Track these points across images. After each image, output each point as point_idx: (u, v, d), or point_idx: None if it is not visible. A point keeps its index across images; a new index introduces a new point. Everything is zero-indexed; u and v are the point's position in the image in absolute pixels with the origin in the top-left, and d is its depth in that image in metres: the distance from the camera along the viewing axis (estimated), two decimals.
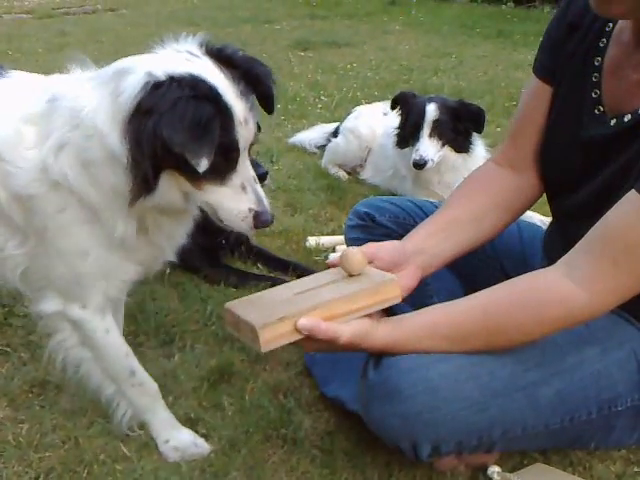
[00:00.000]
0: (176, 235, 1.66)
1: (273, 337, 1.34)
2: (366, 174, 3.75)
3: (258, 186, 1.50)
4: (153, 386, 1.73)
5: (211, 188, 1.45)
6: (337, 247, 2.81)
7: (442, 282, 1.87)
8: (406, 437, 1.45)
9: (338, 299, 1.40)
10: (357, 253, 1.47)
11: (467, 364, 1.45)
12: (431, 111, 3.19)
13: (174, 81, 1.35)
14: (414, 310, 1.54)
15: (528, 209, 1.84)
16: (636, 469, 1.64)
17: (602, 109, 1.55)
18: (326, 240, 2.90)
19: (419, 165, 3.18)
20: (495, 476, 1.58)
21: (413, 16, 9.53)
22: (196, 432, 1.77)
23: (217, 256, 2.75)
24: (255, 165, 2.53)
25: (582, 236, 1.43)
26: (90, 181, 1.47)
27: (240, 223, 1.48)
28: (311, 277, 1.56)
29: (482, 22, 8.71)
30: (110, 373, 1.68)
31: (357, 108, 4.04)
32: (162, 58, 1.44)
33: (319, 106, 5.15)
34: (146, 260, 1.63)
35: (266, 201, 1.50)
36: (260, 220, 1.48)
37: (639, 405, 1.55)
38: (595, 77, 1.57)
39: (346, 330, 1.38)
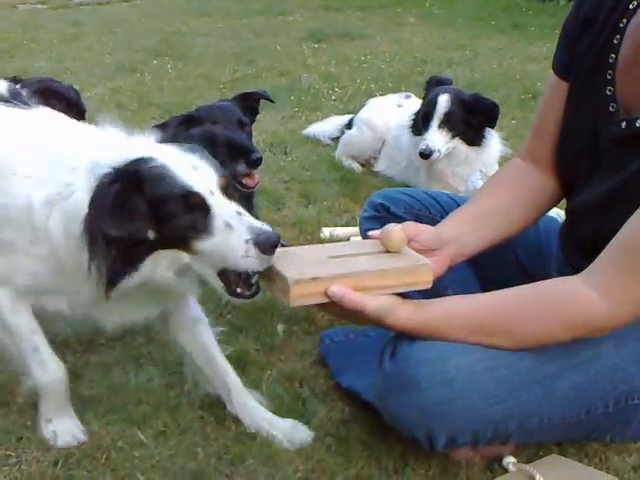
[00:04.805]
0: (144, 308, 1.67)
1: (303, 295, 1.37)
2: (380, 166, 3.75)
3: (246, 216, 1.44)
4: (55, 367, 1.72)
5: (202, 246, 1.43)
6: (351, 238, 2.81)
7: (457, 273, 1.86)
8: (422, 428, 1.46)
9: (372, 272, 1.42)
10: (400, 232, 1.48)
11: (484, 357, 1.45)
12: (443, 102, 3.18)
13: (103, 177, 1.42)
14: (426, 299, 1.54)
15: (555, 205, 1.85)
16: None
17: (615, 106, 1.54)
18: (340, 231, 2.90)
19: (425, 155, 3.18)
20: (510, 467, 1.58)
21: (427, 8, 9.46)
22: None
23: None
24: (250, 150, 2.59)
25: (592, 235, 1.45)
26: (67, 249, 1.50)
27: (246, 261, 1.40)
28: (346, 244, 1.57)
29: (497, 15, 8.63)
30: (17, 352, 1.70)
31: (371, 100, 4.03)
32: (118, 151, 1.49)
33: (333, 98, 5.13)
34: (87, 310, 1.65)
35: (260, 223, 1.43)
36: (263, 243, 1.38)
37: None
38: (609, 74, 1.56)
39: (372, 303, 1.40)
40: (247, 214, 1.45)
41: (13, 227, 1.58)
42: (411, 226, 1.59)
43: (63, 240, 1.51)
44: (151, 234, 1.42)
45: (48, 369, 1.72)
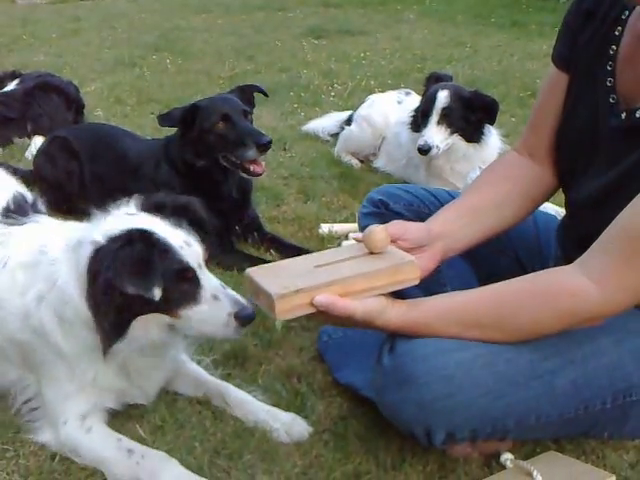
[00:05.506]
0: (154, 377, 1.78)
1: (288, 308, 1.37)
2: (379, 162, 3.75)
3: (229, 290, 1.61)
4: (158, 453, 1.62)
5: (187, 312, 1.58)
6: (350, 234, 2.80)
7: (455, 270, 1.87)
8: (420, 423, 1.46)
9: (356, 276, 1.41)
10: (381, 232, 1.48)
11: (483, 353, 1.45)
12: (442, 98, 3.18)
13: (111, 240, 1.55)
14: (426, 296, 1.54)
15: (549, 198, 1.85)
16: None
17: (615, 98, 1.54)
18: (339, 227, 2.91)
19: (423, 150, 3.18)
20: (508, 463, 1.58)
21: (427, 5, 9.46)
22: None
23: (230, 242, 2.76)
24: (259, 134, 2.62)
25: (590, 229, 1.44)
26: (64, 335, 1.64)
27: (225, 330, 1.59)
28: (332, 251, 1.57)
29: (497, 12, 8.64)
30: (112, 469, 1.60)
31: (371, 96, 4.03)
32: (104, 224, 1.63)
33: (332, 94, 5.13)
34: (123, 396, 1.75)
35: (241, 298, 1.59)
36: (242, 317, 1.57)
37: None
38: (610, 66, 1.56)
39: (360, 307, 1.40)
40: (228, 288, 1.61)
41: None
42: (397, 225, 1.59)
43: (57, 325, 1.63)
44: (158, 294, 1.51)
45: (152, 456, 1.61)
